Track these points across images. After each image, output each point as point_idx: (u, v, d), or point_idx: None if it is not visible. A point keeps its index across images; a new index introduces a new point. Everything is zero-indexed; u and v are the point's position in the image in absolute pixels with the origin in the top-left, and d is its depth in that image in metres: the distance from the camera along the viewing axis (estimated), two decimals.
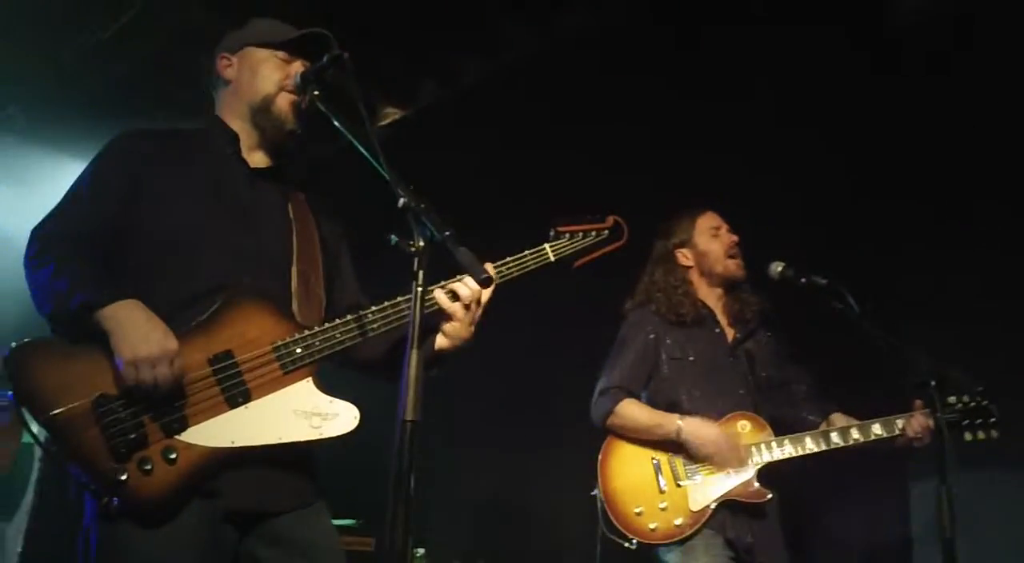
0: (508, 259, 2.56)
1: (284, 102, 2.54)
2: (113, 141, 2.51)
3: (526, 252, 2.60)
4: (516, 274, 2.56)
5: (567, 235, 2.67)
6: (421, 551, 5.02)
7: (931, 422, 3.30)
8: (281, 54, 2.57)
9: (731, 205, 3.97)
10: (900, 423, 3.39)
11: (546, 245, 2.63)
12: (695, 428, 3.43)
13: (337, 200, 2.79)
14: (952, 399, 3.37)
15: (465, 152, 5.62)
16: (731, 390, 3.61)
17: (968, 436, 3.35)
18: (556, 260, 2.63)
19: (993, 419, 3.35)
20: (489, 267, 2.48)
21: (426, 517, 5.73)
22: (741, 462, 3.38)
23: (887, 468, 3.81)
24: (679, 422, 3.45)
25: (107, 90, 5.60)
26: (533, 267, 2.58)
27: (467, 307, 2.43)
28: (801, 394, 3.70)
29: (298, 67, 2.56)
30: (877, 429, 3.42)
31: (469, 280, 2.40)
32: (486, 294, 2.45)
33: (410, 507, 1.84)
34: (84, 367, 2.22)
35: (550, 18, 5.15)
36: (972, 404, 3.37)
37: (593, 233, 2.70)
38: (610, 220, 2.74)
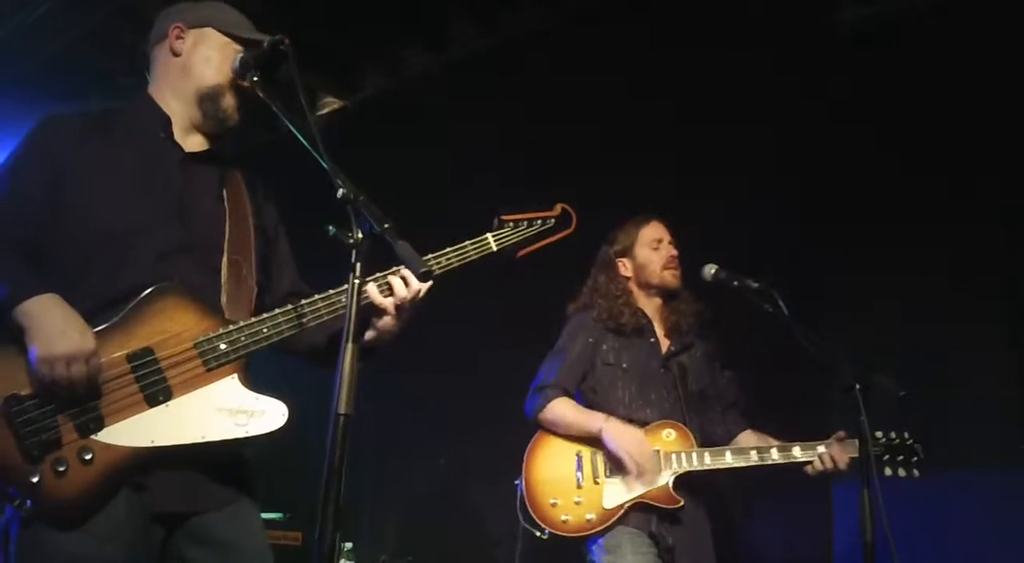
0: (447, 250, 2.46)
1: (232, 98, 2.45)
2: (34, 130, 2.35)
3: (467, 242, 2.50)
4: (456, 265, 2.45)
5: (511, 224, 2.57)
6: (349, 545, 4.98)
7: (844, 459, 3.38)
8: (240, 48, 2.45)
9: (674, 205, 3.99)
10: (821, 449, 3.43)
11: (488, 235, 2.53)
12: (616, 432, 3.47)
13: (276, 187, 2.72)
14: (879, 433, 3.40)
15: (408, 146, 5.57)
16: (659, 399, 3.64)
17: (888, 471, 3.38)
18: (499, 250, 2.53)
19: (916, 458, 3.39)
20: (429, 257, 2.40)
21: (356, 512, 5.68)
22: (651, 474, 3.40)
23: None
24: (602, 423, 3.49)
25: (43, 68, 5.44)
26: (474, 257, 2.48)
27: (399, 306, 2.32)
28: (723, 409, 3.76)
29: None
30: (797, 452, 3.46)
31: (408, 276, 2.30)
32: (424, 288, 2.34)
33: (341, 501, 1.81)
34: None
35: (498, 15, 5.13)
36: (897, 441, 3.41)
37: (539, 222, 2.60)
38: (557, 208, 2.65)
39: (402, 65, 5.53)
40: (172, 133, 2.45)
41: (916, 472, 3.39)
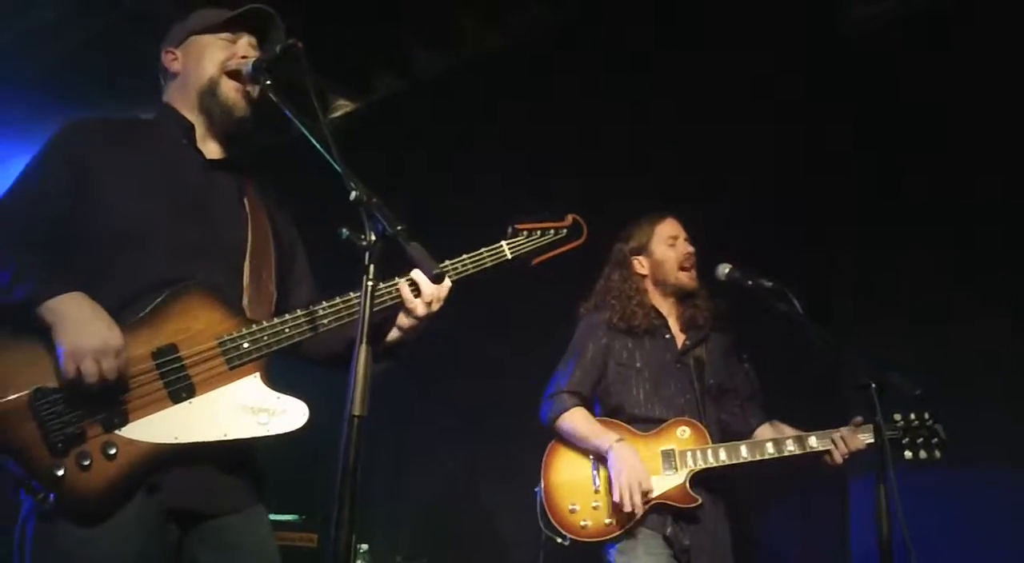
0: (464, 256, 2.53)
1: (229, 86, 2.48)
2: (62, 131, 2.41)
3: (483, 250, 2.57)
4: (472, 271, 2.53)
5: (525, 233, 2.64)
6: (365, 547, 5.00)
7: (859, 445, 3.35)
8: (225, 35, 2.51)
9: (684, 204, 4.00)
10: (837, 436, 3.41)
11: (503, 242, 2.60)
12: (621, 459, 3.44)
13: (289, 191, 2.75)
14: (897, 416, 3.36)
15: (419, 148, 5.59)
16: (675, 397, 3.64)
17: (909, 454, 3.33)
18: (513, 258, 2.60)
19: (937, 439, 3.33)
20: (447, 264, 2.47)
21: (371, 515, 5.70)
22: (633, 507, 3.36)
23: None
24: (612, 444, 3.48)
25: (51, 73, 5.48)
26: (490, 265, 2.56)
27: (428, 303, 2.39)
28: (744, 400, 3.75)
29: (244, 44, 2.51)
30: (813, 442, 3.43)
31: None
32: (445, 289, 2.40)
33: (356, 503, 1.82)
34: (22, 359, 2.15)
35: (506, 15, 5.15)
36: (916, 422, 3.36)
37: (551, 231, 2.67)
38: (569, 218, 2.72)
39: (412, 67, 5.54)
40: (195, 140, 2.51)
41: (938, 453, 3.32)
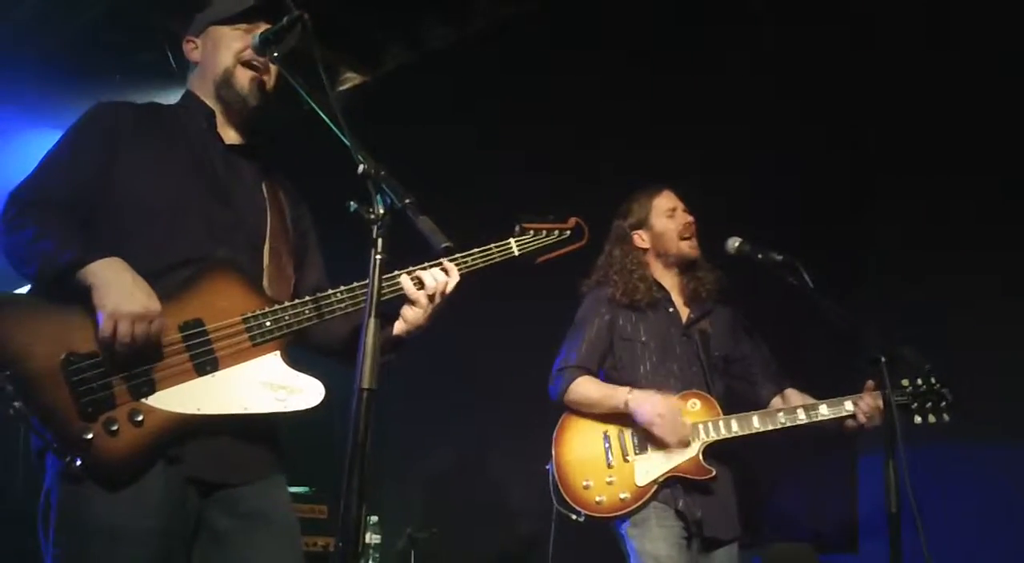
0: (474, 250, 2.64)
1: (244, 76, 2.56)
2: (92, 110, 2.51)
3: (491, 245, 2.69)
4: (481, 265, 2.64)
5: (531, 232, 2.77)
6: (375, 519, 5.04)
7: (879, 403, 3.36)
8: (242, 26, 2.58)
9: (689, 178, 3.99)
10: (848, 405, 3.45)
11: (511, 240, 2.73)
12: (641, 399, 3.50)
13: (299, 168, 2.77)
14: (905, 382, 3.40)
15: (428, 121, 5.58)
16: (682, 369, 3.69)
17: (918, 419, 3.39)
18: (519, 255, 2.73)
19: (945, 403, 3.39)
20: (458, 257, 2.56)
21: (380, 487, 5.74)
22: (682, 435, 3.43)
23: (836, 441, 3.87)
24: (626, 395, 3.53)
25: (62, 49, 5.48)
26: (498, 260, 2.68)
27: (431, 297, 2.48)
28: (756, 369, 3.79)
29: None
30: (824, 410, 3.48)
31: (435, 271, 2.47)
32: (452, 282, 2.49)
33: (365, 475, 1.86)
34: (55, 324, 2.22)
35: None
36: (924, 387, 3.40)
37: (556, 232, 2.81)
38: (572, 221, 2.86)
39: (423, 40, 5.52)
40: (215, 125, 2.61)
41: (946, 416, 3.39)
